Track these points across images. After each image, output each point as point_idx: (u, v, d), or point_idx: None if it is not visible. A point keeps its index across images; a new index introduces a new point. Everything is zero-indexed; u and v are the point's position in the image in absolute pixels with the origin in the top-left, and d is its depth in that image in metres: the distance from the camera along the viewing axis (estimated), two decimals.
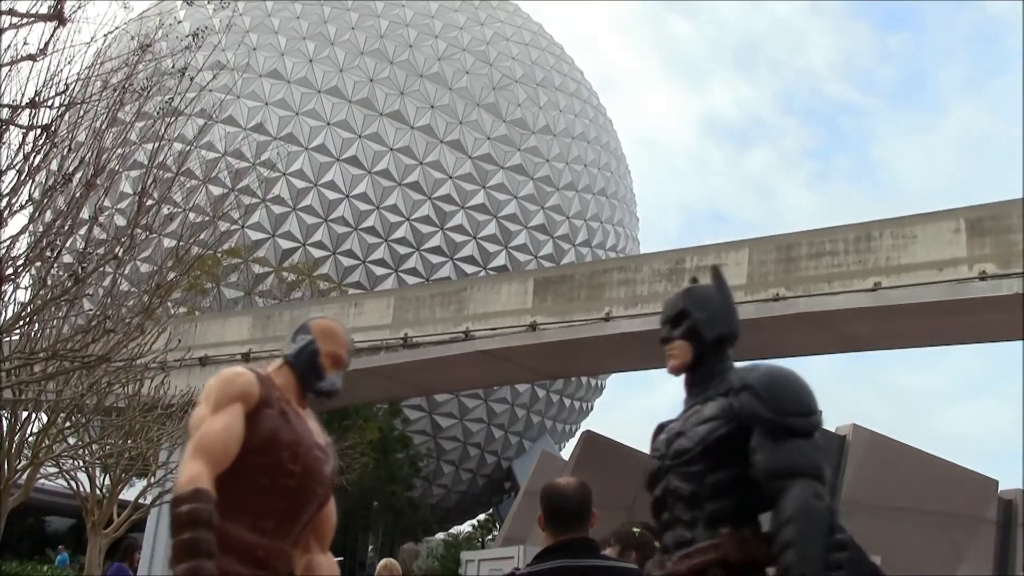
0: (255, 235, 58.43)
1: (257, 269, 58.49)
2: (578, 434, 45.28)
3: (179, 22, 27.14)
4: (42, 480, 26.21)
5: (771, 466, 3.62)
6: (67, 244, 18.00)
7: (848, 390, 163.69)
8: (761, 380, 3.75)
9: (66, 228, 17.03)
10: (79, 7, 13.86)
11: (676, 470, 3.89)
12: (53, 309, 18.68)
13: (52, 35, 13.70)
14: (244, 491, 3.85)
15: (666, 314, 4.17)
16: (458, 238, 62.22)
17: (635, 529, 6.22)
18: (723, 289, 4.15)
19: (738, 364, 4.01)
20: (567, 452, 61.30)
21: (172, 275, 21.71)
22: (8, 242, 15.74)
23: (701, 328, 4.01)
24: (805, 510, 3.50)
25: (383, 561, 11.66)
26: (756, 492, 3.68)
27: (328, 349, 4.24)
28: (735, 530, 3.72)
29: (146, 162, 20.48)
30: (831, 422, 36.29)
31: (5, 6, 12.16)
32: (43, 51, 13.57)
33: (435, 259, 61.45)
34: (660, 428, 4.10)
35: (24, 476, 23.06)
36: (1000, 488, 35.84)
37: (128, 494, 29.50)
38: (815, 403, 3.75)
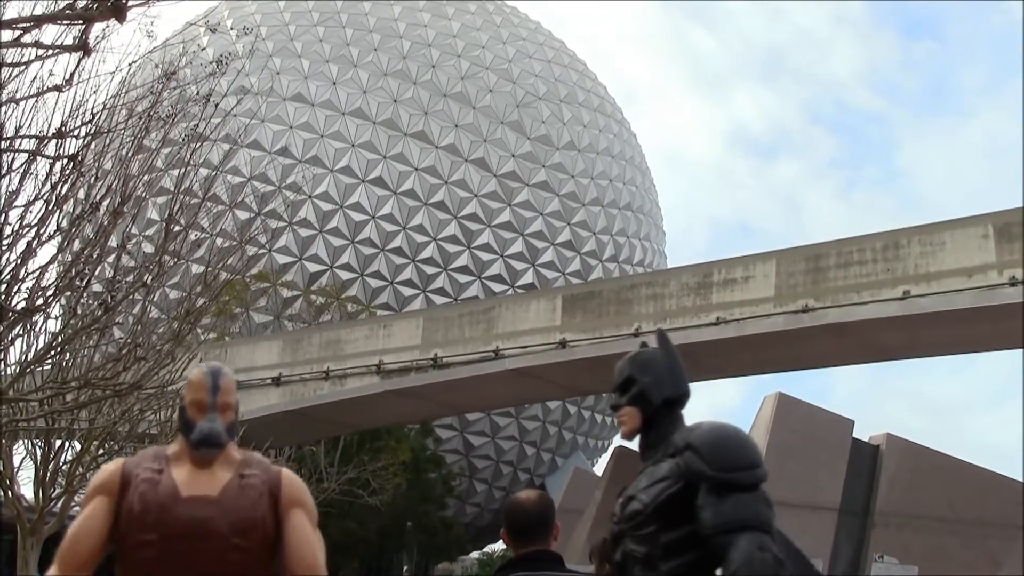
0: (282, 259, 58.59)
1: (285, 293, 58.62)
2: (611, 449, 45.25)
3: (202, 49, 27.29)
4: (76, 508, 26.27)
5: (716, 522, 3.65)
6: (96, 273, 18.06)
7: (879, 400, 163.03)
8: (702, 438, 3.79)
9: (95, 257, 17.09)
10: (104, 37, 13.94)
11: (631, 533, 3.93)
12: (84, 338, 18.73)
13: (77, 66, 13.77)
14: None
15: (615, 381, 4.22)
16: (485, 257, 62.24)
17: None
18: (669, 352, 4.21)
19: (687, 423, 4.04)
20: (600, 468, 61.26)
21: (201, 301, 21.77)
22: (37, 272, 15.80)
23: (648, 392, 4.06)
24: (750, 562, 3.53)
25: None
26: (709, 549, 3.70)
27: (189, 399, 4.02)
28: None
29: (172, 188, 20.58)
30: (863, 432, 36.17)
31: (30, 38, 12.25)
32: (69, 82, 13.63)
33: (463, 278, 61.47)
34: (620, 492, 4.15)
35: (59, 505, 23.14)
36: None
37: None
38: (758, 456, 3.79)
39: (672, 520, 3.78)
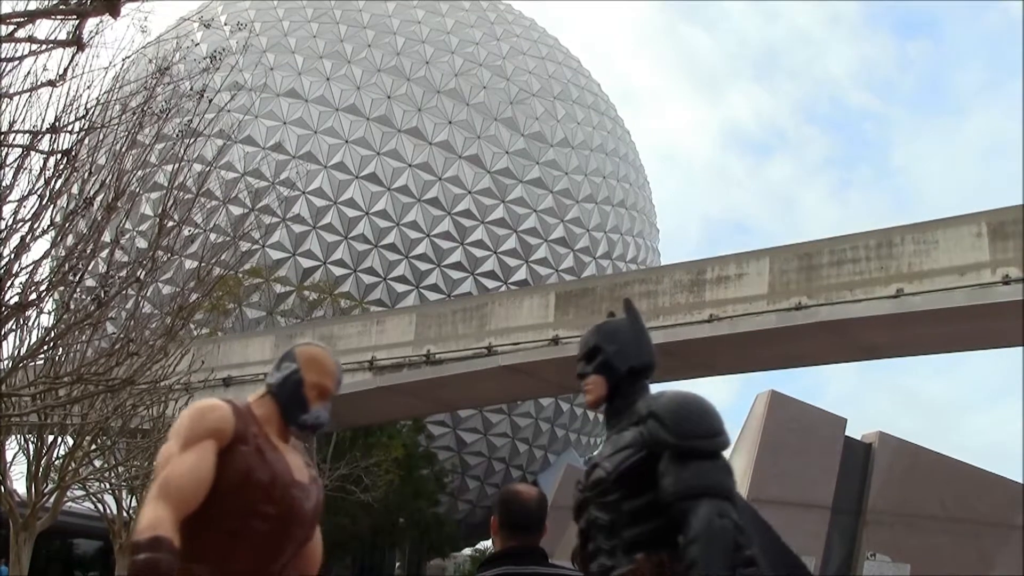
0: (276, 254, 58.54)
1: (279, 288, 58.58)
2: None
3: (196, 44, 27.24)
4: (69, 503, 26.32)
5: (676, 488, 3.68)
6: (89, 268, 18.06)
7: (872, 398, 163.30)
8: (665, 406, 3.83)
9: (88, 252, 17.10)
10: (97, 32, 13.93)
11: (595, 500, 3.97)
12: (77, 333, 18.74)
13: (71, 61, 13.76)
14: (212, 536, 3.66)
15: (580, 351, 4.24)
16: (479, 253, 62.23)
17: None
18: (635, 321, 4.26)
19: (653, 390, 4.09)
20: None
21: (194, 296, 21.80)
22: (31, 267, 15.80)
23: (613, 361, 4.10)
24: (709, 528, 3.56)
25: None
26: (671, 516, 3.73)
27: (313, 380, 3.99)
28: (651, 554, 3.77)
29: (166, 184, 20.58)
30: (856, 430, 36.19)
31: (24, 33, 12.23)
32: (62, 77, 13.62)
33: (456, 275, 61.46)
34: (588, 461, 4.18)
35: (51, 500, 23.14)
36: None
37: None
38: (720, 424, 3.82)
39: (635, 488, 3.82)
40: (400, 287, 60.24)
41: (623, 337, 4.16)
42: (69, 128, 15.15)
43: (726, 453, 3.88)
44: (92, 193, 16.60)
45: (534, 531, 4.67)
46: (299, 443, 4.16)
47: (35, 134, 14.76)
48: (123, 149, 17.83)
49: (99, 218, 16.75)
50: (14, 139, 14.97)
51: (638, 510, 3.82)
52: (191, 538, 3.54)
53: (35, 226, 15.26)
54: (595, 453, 4.09)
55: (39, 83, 14.17)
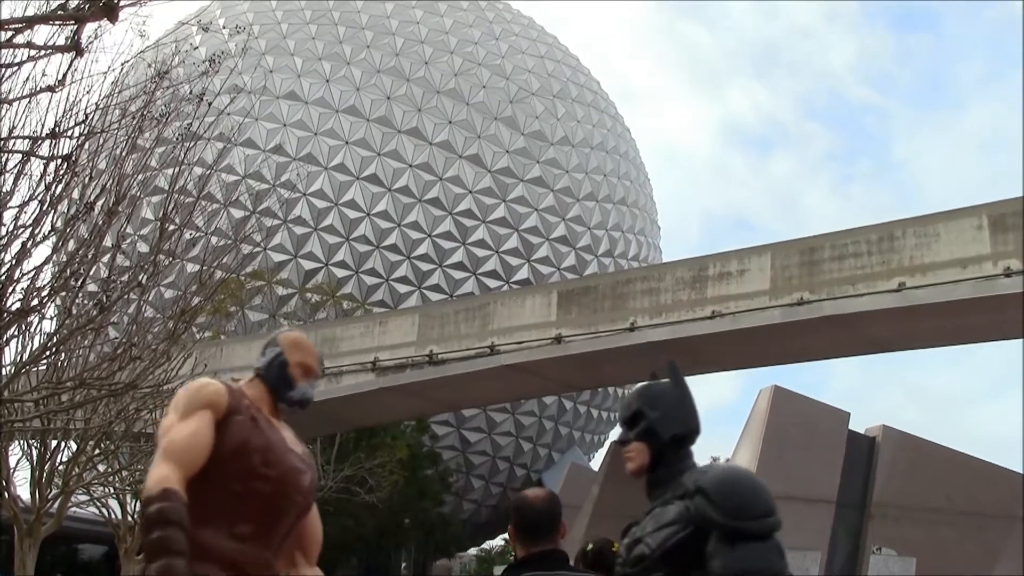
0: (278, 257, 58.59)
1: (281, 291, 58.63)
2: (607, 444, 45.19)
3: (195, 48, 27.19)
4: (73, 508, 26.33)
5: (726, 571, 3.55)
6: (91, 273, 18.06)
7: (875, 392, 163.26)
8: (714, 483, 3.68)
9: (89, 257, 17.10)
10: (96, 37, 13.93)
11: None
12: (79, 338, 18.75)
13: (70, 66, 13.77)
14: (218, 497, 3.86)
15: (622, 414, 4.09)
16: (480, 253, 62.24)
17: (589, 546, 6.22)
18: (679, 385, 4.06)
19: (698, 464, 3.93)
20: (596, 463, 61.26)
21: (196, 300, 21.79)
22: (32, 273, 15.81)
23: (657, 427, 3.92)
24: None
25: None
26: None
27: (297, 359, 4.28)
28: None
29: (167, 187, 20.58)
30: (859, 424, 36.19)
31: (23, 39, 12.23)
32: (61, 82, 13.62)
33: (458, 275, 61.48)
34: (627, 528, 4.06)
35: (56, 505, 23.16)
36: None
37: None
38: (771, 504, 3.67)
39: (679, 566, 3.69)
40: (402, 288, 60.27)
41: (667, 402, 3.98)
42: (69, 133, 15.13)
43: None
44: (93, 198, 16.60)
45: (549, 533, 4.64)
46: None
47: (35, 139, 14.74)
48: (123, 153, 17.84)
49: (100, 223, 16.74)
50: (14, 145, 14.96)
51: None
52: (199, 501, 3.74)
53: (36, 232, 15.25)
54: (633, 528, 3.96)
55: (38, 88, 14.17)
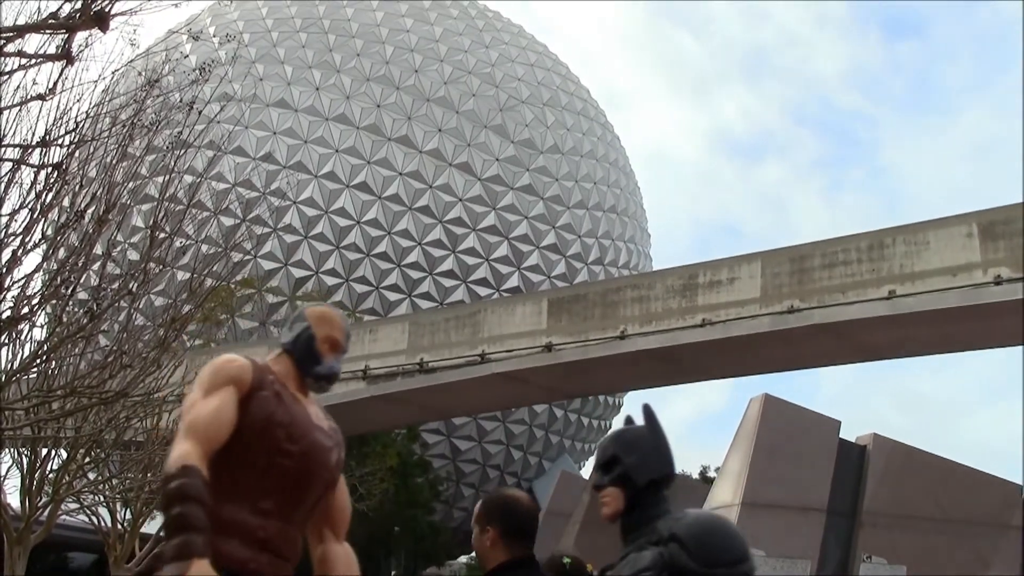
0: (268, 265, 58.57)
1: (271, 299, 58.60)
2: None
3: (185, 56, 27.25)
4: (63, 516, 26.23)
5: None
6: (81, 281, 18.04)
7: (865, 400, 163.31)
8: (688, 530, 3.71)
9: (80, 265, 17.07)
10: (87, 46, 13.92)
11: None
12: (69, 346, 18.72)
13: (60, 74, 13.76)
14: (242, 473, 3.87)
15: (598, 458, 4.12)
16: (470, 261, 62.26)
17: (566, 559, 6.18)
18: (654, 429, 4.08)
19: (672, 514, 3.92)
20: (587, 471, 61.26)
21: (187, 308, 21.76)
22: (23, 281, 15.78)
23: (632, 473, 3.95)
24: None
25: None
26: None
27: (324, 334, 4.26)
28: None
29: (157, 195, 20.56)
30: (850, 432, 36.22)
31: (13, 48, 12.23)
32: (52, 90, 13.63)
33: (448, 283, 61.49)
34: (603, 572, 4.06)
35: (45, 513, 23.08)
36: None
37: (150, 527, 29.49)
38: (745, 550, 3.72)
39: None
40: (392, 296, 60.25)
41: (643, 447, 4.01)
42: (59, 141, 15.14)
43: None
44: (83, 206, 16.59)
45: (533, 538, 4.64)
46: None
47: (25, 148, 14.74)
48: (113, 162, 17.82)
49: (90, 231, 16.72)
50: (4, 153, 14.95)
51: None
52: (222, 477, 3.76)
53: (26, 240, 15.22)
54: (607, 573, 3.98)
55: (29, 97, 14.17)
